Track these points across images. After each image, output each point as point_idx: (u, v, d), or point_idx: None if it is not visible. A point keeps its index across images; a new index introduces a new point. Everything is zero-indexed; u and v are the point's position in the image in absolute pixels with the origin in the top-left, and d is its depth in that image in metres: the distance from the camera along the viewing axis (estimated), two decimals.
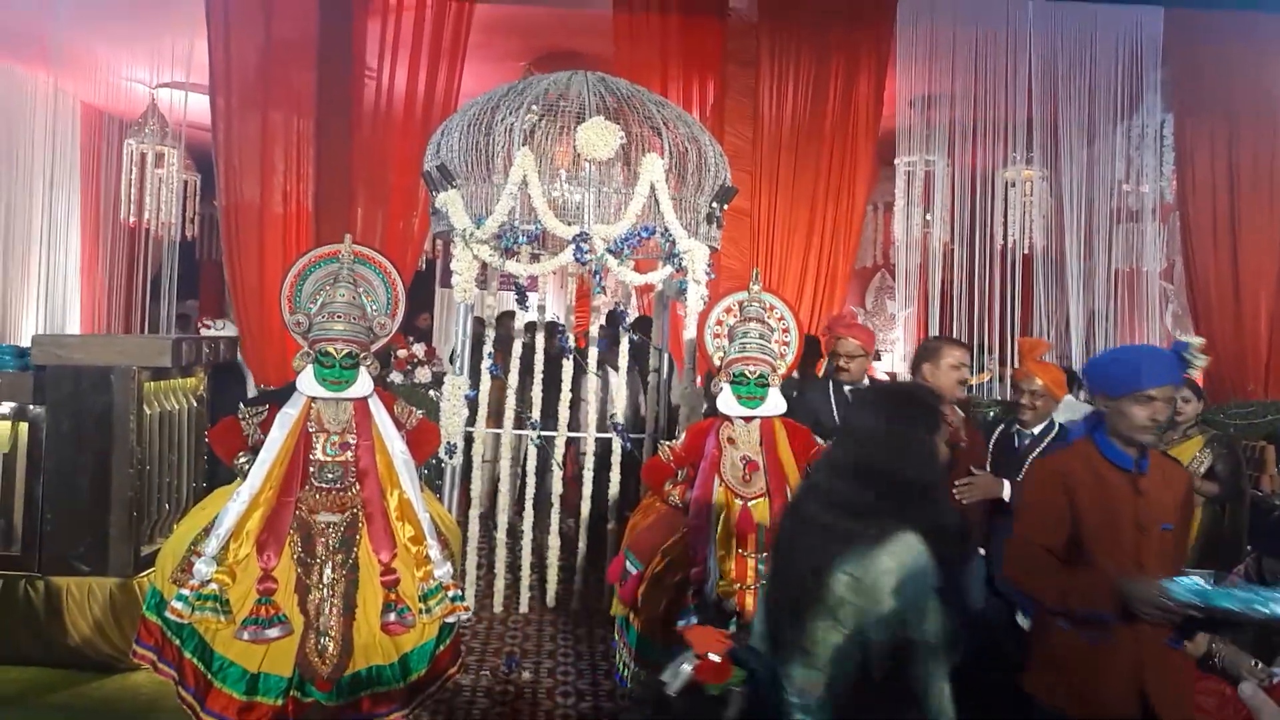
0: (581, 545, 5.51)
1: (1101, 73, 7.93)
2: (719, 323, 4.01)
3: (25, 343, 8.43)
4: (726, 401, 3.62)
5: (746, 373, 3.60)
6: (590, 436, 5.41)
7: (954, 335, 8.13)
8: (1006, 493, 3.66)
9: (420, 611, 3.27)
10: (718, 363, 3.84)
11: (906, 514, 1.85)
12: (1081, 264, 8.20)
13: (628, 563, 3.52)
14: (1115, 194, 8.23)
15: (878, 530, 1.82)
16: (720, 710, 1.73)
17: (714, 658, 1.75)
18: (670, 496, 3.67)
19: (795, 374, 5.15)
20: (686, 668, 1.78)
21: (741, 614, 3.33)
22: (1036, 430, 3.84)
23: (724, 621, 3.27)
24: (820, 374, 5.20)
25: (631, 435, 5.50)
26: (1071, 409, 6.02)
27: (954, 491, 3.55)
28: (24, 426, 4.25)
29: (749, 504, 3.52)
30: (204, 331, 6.28)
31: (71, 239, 9.14)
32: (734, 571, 3.37)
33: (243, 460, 3.37)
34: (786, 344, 3.90)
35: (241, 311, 7.52)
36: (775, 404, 3.69)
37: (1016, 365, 3.94)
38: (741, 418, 3.63)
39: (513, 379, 5.42)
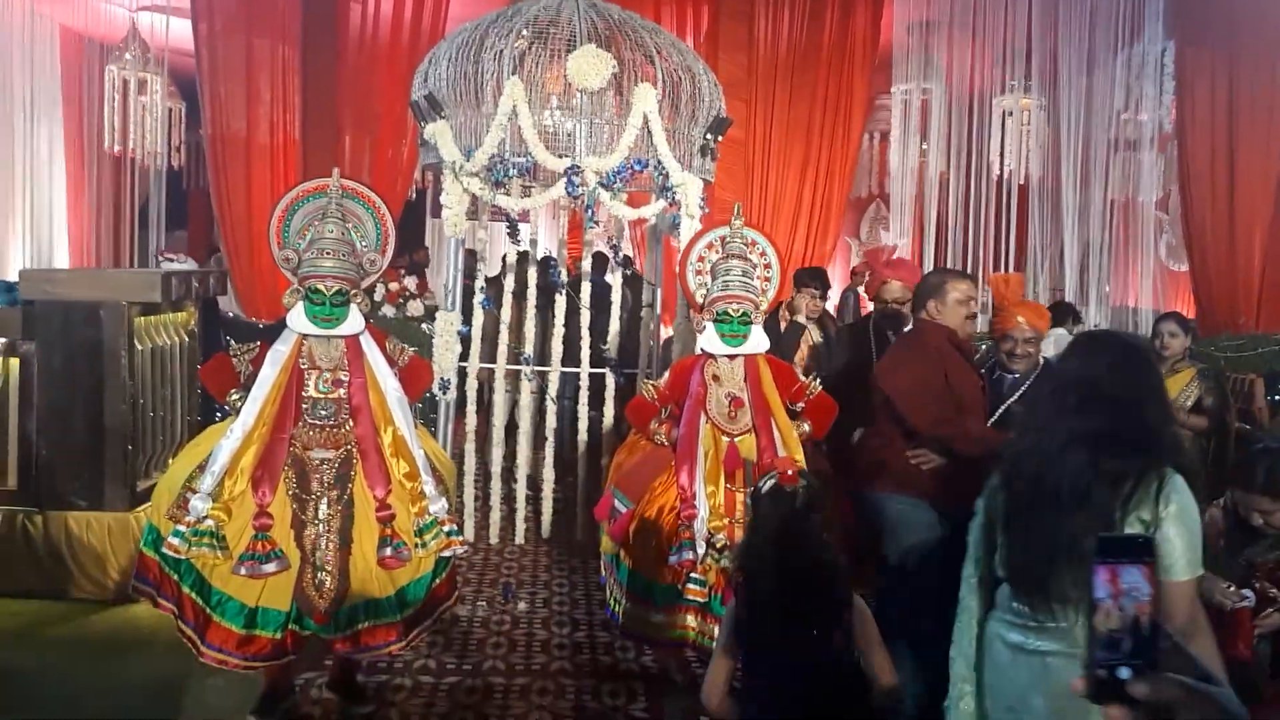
0: (579, 477, 5.56)
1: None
2: (700, 259, 3.95)
3: (13, 274, 8.41)
4: (710, 339, 3.60)
5: (730, 310, 3.58)
6: (584, 371, 5.42)
7: (948, 266, 8.11)
8: None
9: (416, 546, 3.30)
10: (699, 300, 3.80)
11: (1166, 456, 2.01)
12: (1078, 194, 8.15)
13: (616, 501, 3.53)
14: (1114, 123, 8.14)
15: (1156, 475, 1.97)
16: (792, 500, 2.39)
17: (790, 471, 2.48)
18: (656, 435, 3.68)
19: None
20: (772, 479, 2.45)
21: (729, 548, 3.37)
22: (1022, 371, 3.66)
23: (716, 556, 3.32)
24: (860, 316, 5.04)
25: (625, 370, 5.51)
26: (1060, 343, 6.05)
27: (913, 459, 3.45)
28: (14, 362, 4.24)
29: (735, 440, 3.54)
30: (164, 265, 6.20)
31: (56, 168, 8.98)
32: (723, 506, 3.41)
33: (235, 397, 3.36)
34: (769, 280, 3.86)
35: (230, 243, 7.46)
36: (758, 341, 3.68)
37: (995, 309, 3.74)
38: (725, 355, 3.62)
39: (505, 313, 5.41)
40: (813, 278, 5.28)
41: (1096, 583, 0.96)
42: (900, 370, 3.63)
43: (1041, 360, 3.71)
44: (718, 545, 3.31)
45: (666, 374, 3.86)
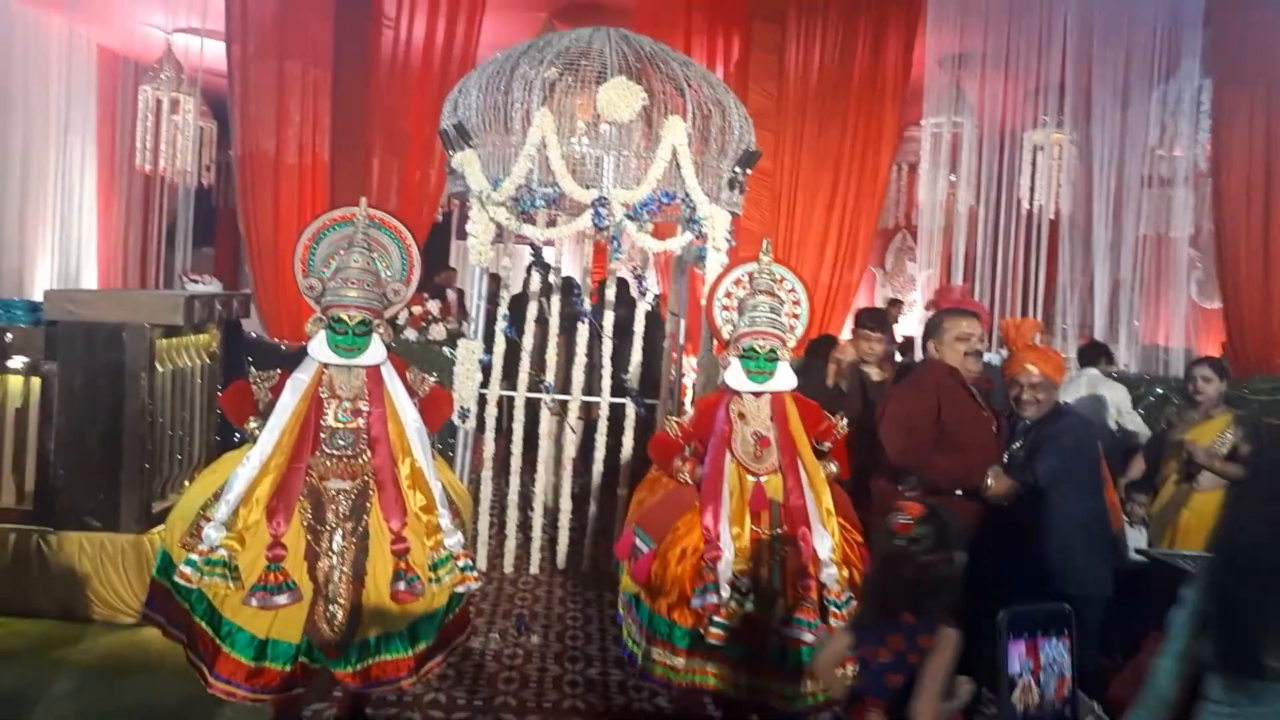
0: (593, 508, 5.49)
1: (1139, 35, 7.72)
2: (728, 294, 3.89)
3: (40, 289, 8.48)
4: (735, 376, 3.54)
5: (756, 346, 3.51)
6: (604, 400, 5.36)
7: (975, 298, 8.01)
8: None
9: (430, 580, 3.24)
10: (726, 336, 3.73)
11: None
12: (1109, 230, 8.04)
13: (637, 539, 3.44)
14: (1148, 159, 8.04)
15: None
16: (915, 544, 2.48)
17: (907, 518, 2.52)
18: (680, 473, 3.60)
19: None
20: (896, 517, 2.54)
21: (754, 592, 3.29)
22: (1031, 416, 3.64)
23: (740, 600, 3.24)
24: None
25: (645, 400, 5.45)
26: (1094, 383, 5.94)
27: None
28: (36, 381, 4.24)
29: (761, 479, 3.46)
30: (189, 286, 6.26)
31: (87, 185, 9.08)
32: (748, 549, 3.33)
33: (253, 425, 3.32)
34: (796, 316, 3.79)
35: (256, 264, 7.49)
36: (785, 378, 3.61)
37: (1004, 353, 3.77)
38: (751, 392, 3.55)
39: (527, 341, 5.37)
40: (873, 320, 5.05)
41: (1010, 657, 0.90)
42: (889, 402, 3.72)
43: (1056, 403, 3.70)
44: (742, 589, 3.23)
45: (690, 410, 3.80)
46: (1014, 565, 3.50)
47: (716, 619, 3.22)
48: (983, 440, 3.60)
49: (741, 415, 3.57)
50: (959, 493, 3.53)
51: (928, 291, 8.62)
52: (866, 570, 2.85)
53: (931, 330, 3.73)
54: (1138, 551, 4.35)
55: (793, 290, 3.77)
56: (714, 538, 3.28)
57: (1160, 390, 6.80)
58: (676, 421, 3.75)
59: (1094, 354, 6.01)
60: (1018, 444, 3.64)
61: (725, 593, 3.24)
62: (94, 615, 4.27)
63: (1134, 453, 5.14)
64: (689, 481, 3.56)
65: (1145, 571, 4.07)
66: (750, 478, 3.45)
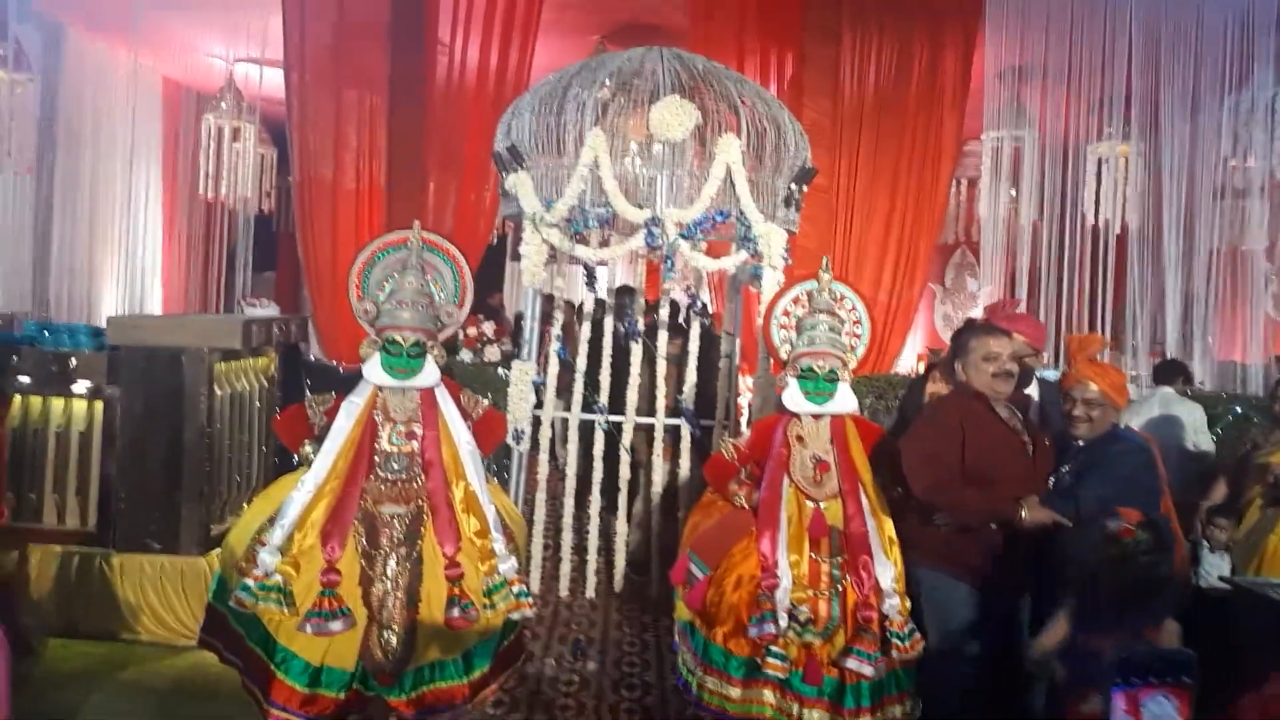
0: (653, 530, 5.42)
1: (1208, 42, 7.46)
2: (786, 313, 3.80)
3: (106, 315, 8.69)
4: (793, 398, 3.44)
5: (815, 367, 3.41)
6: (660, 421, 5.29)
7: (1039, 315, 7.80)
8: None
9: (484, 607, 3.20)
10: (784, 356, 3.64)
11: None
12: (1180, 243, 7.77)
13: (693, 565, 3.36)
14: (1220, 170, 7.77)
15: None
16: (1134, 547, 2.78)
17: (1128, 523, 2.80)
18: (736, 497, 3.51)
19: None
20: (1116, 523, 2.82)
21: (814, 621, 3.19)
22: (1083, 435, 3.37)
23: (799, 629, 3.14)
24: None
25: (701, 421, 5.37)
26: (1167, 402, 5.72)
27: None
28: (99, 405, 4.31)
29: (820, 505, 3.36)
30: (246, 311, 6.36)
31: (152, 213, 9.32)
32: (806, 577, 3.23)
33: (308, 449, 3.33)
34: (858, 336, 3.70)
35: (314, 287, 7.59)
36: (846, 400, 3.50)
37: (1065, 367, 3.51)
38: (811, 415, 3.45)
39: (580, 363, 5.33)
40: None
41: (1113, 708, 0.79)
42: (911, 436, 3.45)
43: (1114, 425, 3.41)
44: (801, 619, 3.13)
45: (747, 432, 3.71)
46: (1050, 602, 3.26)
47: (774, 649, 3.12)
48: (1016, 469, 3.34)
49: (800, 438, 3.46)
50: (993, 526, 3.30)
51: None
52: (1080, 571, 2.98)
53: (958, 350, 3.49)
54: (1221, 579, 4.14)
55: (854, 309, 3.69)
56: (771, 565, 3.19)
57: (1239, 409, 6.51)
58: (733, 444, 3.66)
59: (1170, 372, 5.77)
60: (1066, 467, 3.39)
61: (783, 622, 3.14)
62: (154, 638, 4.30)
63: (1210, 474, 4.91)
64: (745, 506, 3.47)
65: (1229, 599, 3.86)
66: (809, 503, 3.35)
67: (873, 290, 7.44)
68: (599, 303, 5.35)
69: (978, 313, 12.33)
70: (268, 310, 6.09)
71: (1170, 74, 7.54)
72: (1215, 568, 4.41)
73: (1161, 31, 7.44)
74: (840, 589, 3.24)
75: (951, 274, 13.43)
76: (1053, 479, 3.36)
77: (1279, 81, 7.48)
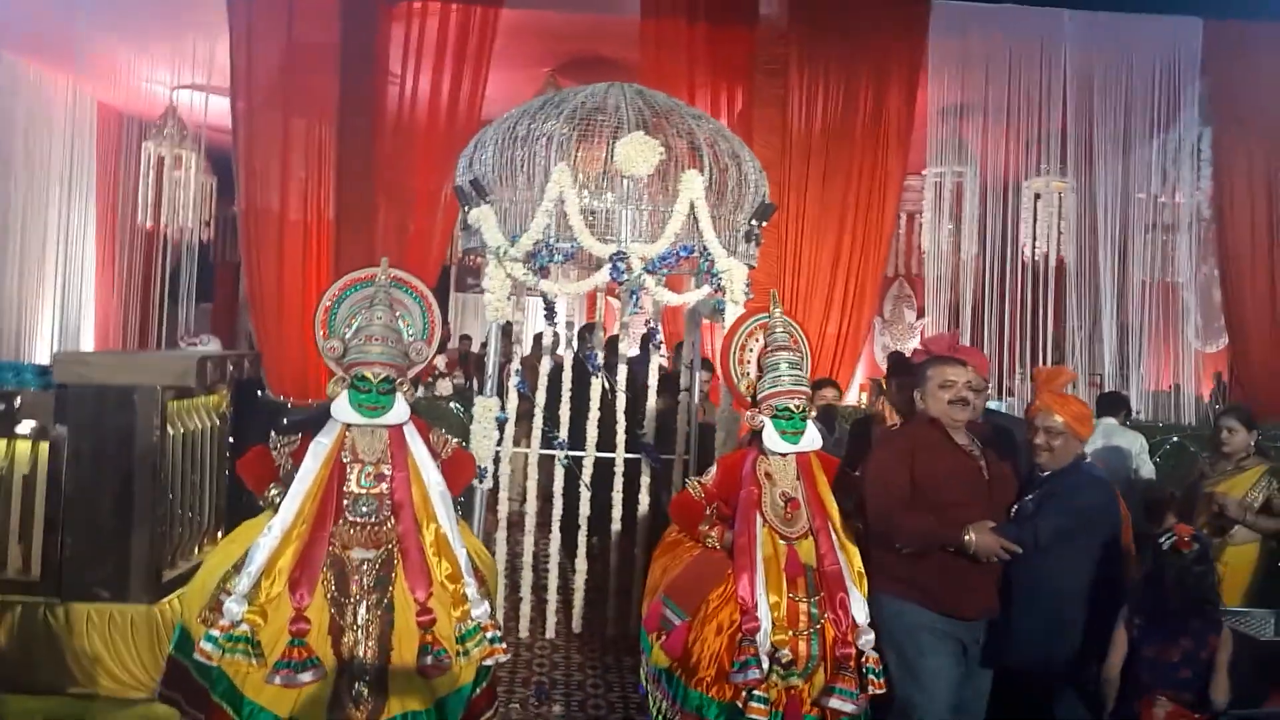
0: (611, 567, 5.37)
1: (1138, 85, 7.81)
2: (742, 348, 3.80)
3: (40, 349, 8.37)
4: (772, 438, 3.43)
5: (792, 407, 3.43)
6: (619, 456, 5.27)
7: (982, 347, 7.99)
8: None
9: (458, 654, 3.13)
10: (742, 391, 3.66)
11: None
12: (1114, 276, 8.06)
13: (668, 611, 3.31)
14: (1151, 206, 8.09)
15: None
16: (1190, 558, 3.09)
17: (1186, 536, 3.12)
18: (708, 539, 3.48)
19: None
20: (1170, 538, 3.13)
21: (794, 663, 3.18)
22: (1045, 465, 3.44)
23: (785, 673, 3.12)
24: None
25: (661, 456, 5.36)
26: (1109, 433, 5.87)
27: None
28: (44, 446, 4.13)
29: (794, 544, 3.36)
30: (185, 348, 6.20)
31: (87, 242, 9.04)
32: (786, 619, 3.22)
33: (274, 493, 3.23)
34: (809, 370, 3.73)
35: (259, 318, 7.42)
36: (814, 437, 3.53)
37: (1032, 399, 3.57)
38: (787, 453, 3.46)
39: (540, 397, 5.29)
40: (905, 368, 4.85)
41: None
42: (868, 463, 3.56)
43: (1078, 456, 3.48)
44: (783, 661, 3.12)
45: (713, 469, 3.69)
46: (1001, 628, 3.38)
47: (756, 693, 3.10)
48: (971, 495, 3.35)
49: (769, 475, 3.47)
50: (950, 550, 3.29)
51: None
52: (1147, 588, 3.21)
53: (917, 380, 3.56)
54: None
55: (799, 343, 3.71)
56: (751, 608, 3.17)
57: (1176, 438, 6.74)
58: (699, 482, 3.64)
59: (1112, 404, 5.94)
60: (1030, 496, 3.42)
61: (765, 665, 3.13)
62: (102, 691, 4.10)
63: (1156, 503, 5.05)
64: (718, 547, 3.45)
65: None
66: (782, 542, 3.35)
67: (821, 321, 7.55)
68: (557, 337, 5.33)
69: (915, 343, 12.62)
70: (209, 346, 5.94)
71: (1103, 114, 7.84)
72: None
73: (1094, 74, 7.75)
74: (819, 627, 3.24)
75: (890, 305, 13.69)
76: (1015, 506, 3.42)
77: (1204, 122, 7.85)
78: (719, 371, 3.93)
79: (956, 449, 3.41)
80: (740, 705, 3.13)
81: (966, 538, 3.21)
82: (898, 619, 3.33)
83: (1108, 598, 3.33)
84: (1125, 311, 8.15)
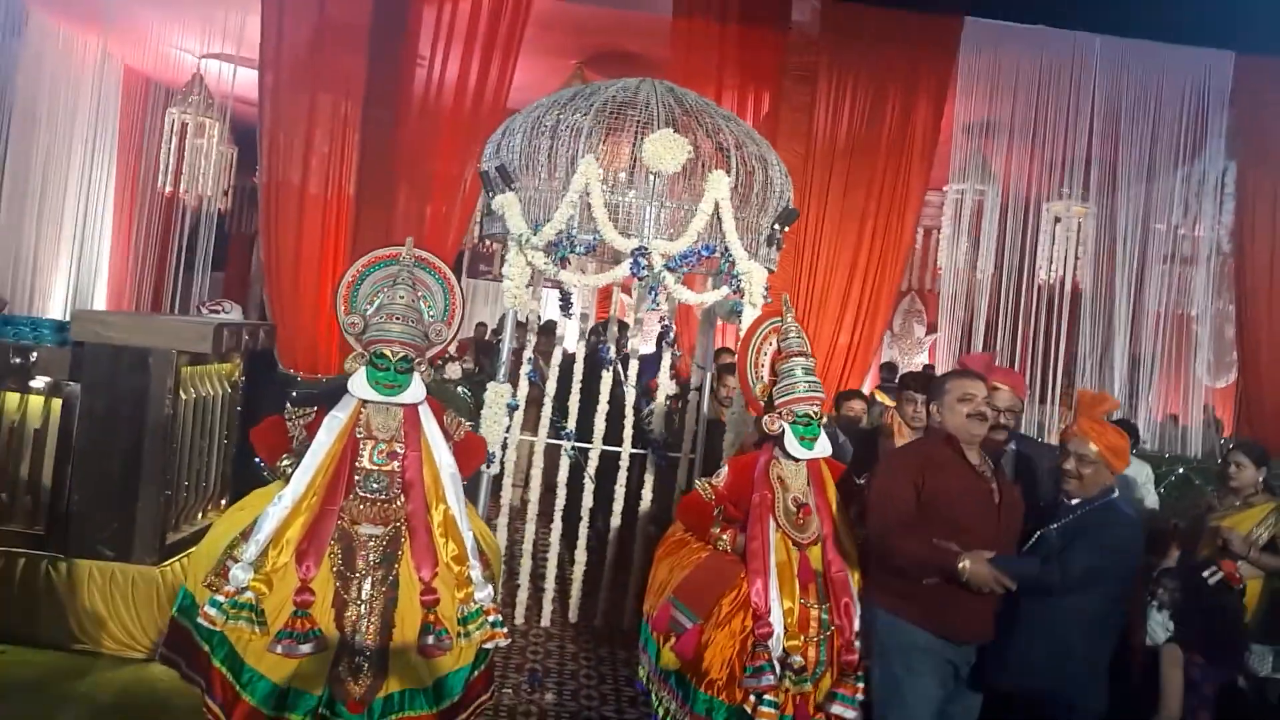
0: (608, 560, 5.38)
1: (1165, 115, 7.75)
2: (758, 351, 3.82)
3: (54, 307, 8.38)
4: (793, 444, 3.43)
5: (811, 413, 3.45)
6: (625, 450, 5.28)
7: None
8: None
9: (459, 635, 3.15)
10: (756, 394, 3.67)
11: None
12: (1129, 304, 8.03)
13: (678, 613, 3.30)
14: (1171, 237, 8.07)
15: None
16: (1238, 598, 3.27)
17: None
18: (719, 541, 3.49)
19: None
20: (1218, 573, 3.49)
21: (805, 669, 3.18)
22: (1073, 493, 3.29)
23: (796, 679, 3.12)
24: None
25: (668, 454, 5.37)
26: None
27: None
28: (56, 403, 4.14)
29: (805, 550, 3.37)
30: (206, 315, 6.20)
31: (106, 204, 9.04)
32: (797, 625, 3.22)
33: (286, 463, 3.25)
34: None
35: (274, 291, 7.39)
36: (825, 444, 3.54)
37: (1070, 423, 3.45)
38: (805, 459, 3.47)
39: (550, 387, 5.30)
40: (917, 383, 4.65)
41: None
42: (875, 476, 3.44)
43: (1109, 490, 3.28)
44: (795, 666, 3.12)
45: (723, 470, 3.69)
46: (1004, 652, 3.26)
47: (767, 698, 3.10)
48: (979, 517, 3.24)
49: (781, 480, 3.48)
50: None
51: (944, 356, 8.58)
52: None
53: (934, 392, 3.45)
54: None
55: (806, 349, 3.72)
56: (764, 613, 3.17)
57: (1182, 470, 6.74)
58: (710, 484, 3.65)
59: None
60: (1055, 526, 3.28)
61: (778, 672, 3.13)
62: (103, 649, 4.12)
63: (1161, 535, 5.04)
64: (729, 550, 3.46)
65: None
66: (794, 547, 3.35)
67: (834, 331, 7.53)
68: (596, 325, 5.35)
69: (923, 358, 12.59)
70: (231, 314, 5.95)
71: (1128, 141, 7.80)
72: (1160, 626, 4.52)
73: (1122, 100, 7.70)
74: (829, 634, 3.24)
75: (899, 320, 13.67)
76: (1037, 535, 3.31)
77: (1229, 156, 7.82)
78: (738, 374, 3.93)
79: (969, 468, 3.30)
80: (750, 710, 3.12)
81: (960, 565, 3.09)
82: (890, 634, 3.25)
83: (1113, 628, 3.30)
84: (1138, 341, 8.12)
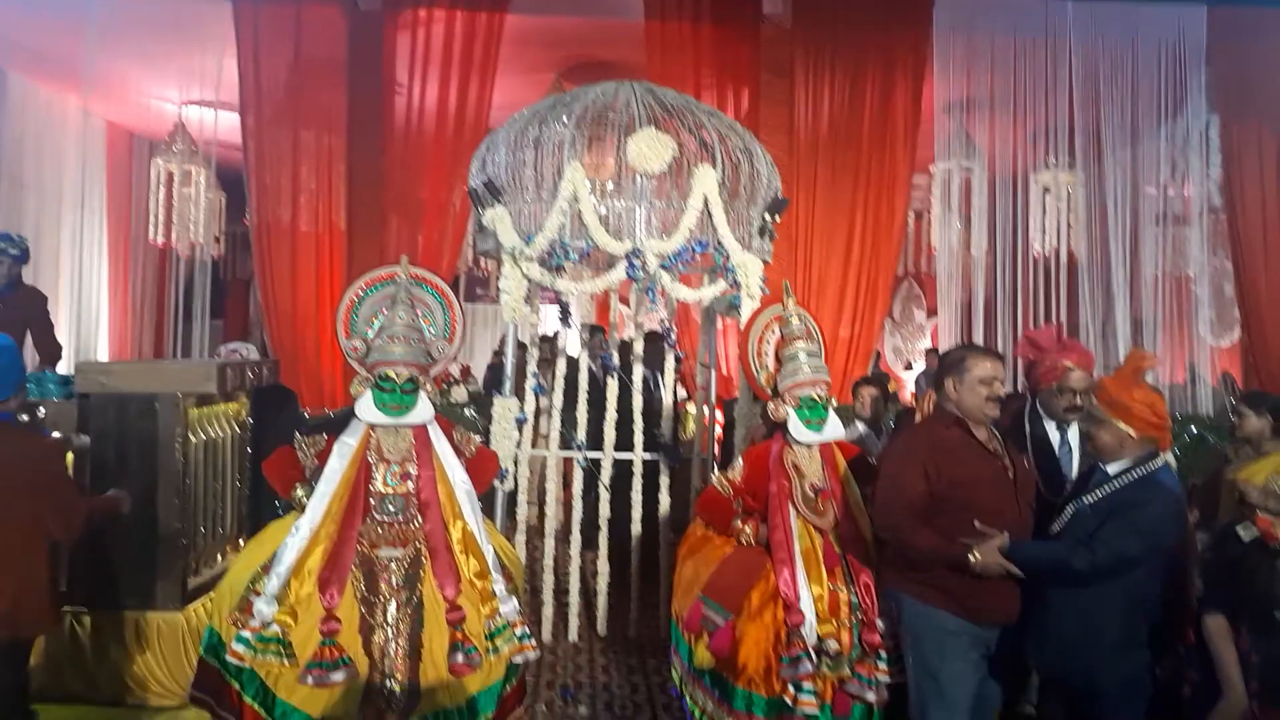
0: (631, 569, 5.35)
1: (1144, 75, 7.75)
2: (760, 340, 3.82)
3: (58, 368, 8.38)
4: (798, 429, 3.45)
5: (815, 396, 3.46)
6: (638, 457, 5.26)
7: (995, 346, 7.96)
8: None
9: (487, 651, 3.13)
10: (762, 383, 3.67)
11: None
12: (1126, 269, 8.01)
13: (709, 611, 3.28)
14: (1161, 197, 8.06)
15: None
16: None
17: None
18: (743, 534, 3.48)
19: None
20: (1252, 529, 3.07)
21: (841, 653, 3.18)
22: (1114, 471, 3.03)
23: (833, 664, 3.11)
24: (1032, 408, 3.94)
25: (679, 455, 5.36)
26: None
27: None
28: (69, 457, 4.13)
29: (828, 535, 3.37)
30: (225, 355, 6.23)
31: (101, 260, 9.07)
32: (828, 609, 3.21)
33: (300, 493, 3.24)
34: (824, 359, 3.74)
35: (274, 331, 7.43)
36: (835, 427, 3.53)
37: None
38: (812, 443, 3.47)
39: (557, 399, 5.29)
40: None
41: None
42: (881, 466, 3.33)
43: (1154, 458, 3.03)
44: (830, 651, 3.12)
45: (739, 463, 3.69)
46: (1034, 637, 3.11)
47: (805, 685, 3.11)
48: (996, 496, 3.12)
49: (796, 467, 3.48)
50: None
51: (945, 338, 8.55)
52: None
53: (950, 366, 3.24)
54: None
55: (812, 334, 3.73)
56: (795, 602, 3.17)
57: (1194, 429, 6.71)
58: (727, 478, 3.65)
59: None
60: (1090, 499, 3.04)
61: (814, 659, 3.13)
62: (131, 699, 4.10)
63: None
64: (752, 543, 3.45)
65: None
66: (817, 533, 3.35)
67: (834, 322, 7.53)
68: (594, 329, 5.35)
69: (926, 343, 12.53)
70: (250, 354, 5.96)
71: (1110, 105, 7.80)
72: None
73: (1100, 64, 7.70)
74: (860, 616, 3.23)
75: (899, 306, 13.65)
76: (1072, 507, 3.10)
77: (1211, 110, 7.81)
78: (741, 364, 3.93)
79: (981, 451, 3.17)
80: (789, 700, 3.11)
81: (971, 558, 2.96)
82: (919, 620, 3.14)
83: (1151, 607, 3.04)
84: (1138, 305, 8.09)
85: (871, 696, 3.19)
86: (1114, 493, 2.98)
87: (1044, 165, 8.38)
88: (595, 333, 5.92)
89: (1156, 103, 7.81)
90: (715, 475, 3.80)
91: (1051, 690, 3.31)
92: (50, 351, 5.67)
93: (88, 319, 8.73)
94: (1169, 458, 4.97)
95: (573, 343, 5.46)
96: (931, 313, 12.30)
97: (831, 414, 3.54)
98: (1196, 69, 7.73)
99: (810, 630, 3.14)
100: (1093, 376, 3.57)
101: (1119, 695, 2.99)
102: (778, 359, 3.71)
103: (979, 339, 8.26)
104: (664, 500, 5.26)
